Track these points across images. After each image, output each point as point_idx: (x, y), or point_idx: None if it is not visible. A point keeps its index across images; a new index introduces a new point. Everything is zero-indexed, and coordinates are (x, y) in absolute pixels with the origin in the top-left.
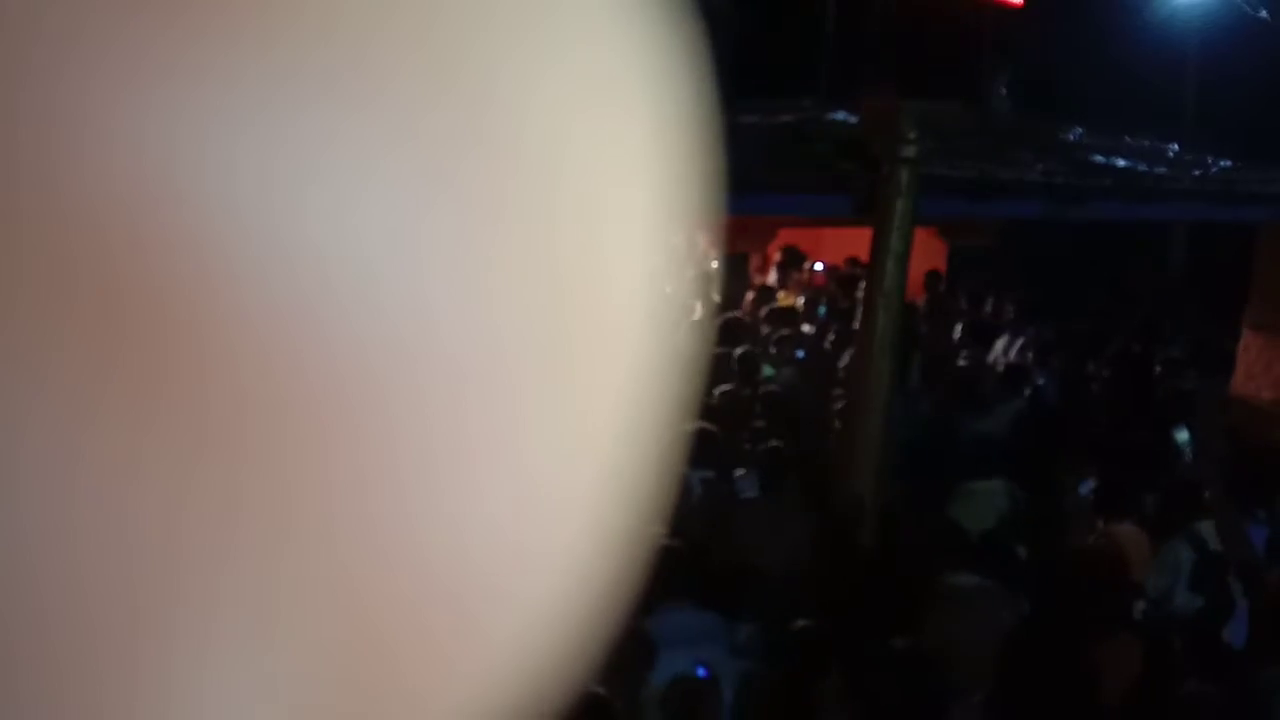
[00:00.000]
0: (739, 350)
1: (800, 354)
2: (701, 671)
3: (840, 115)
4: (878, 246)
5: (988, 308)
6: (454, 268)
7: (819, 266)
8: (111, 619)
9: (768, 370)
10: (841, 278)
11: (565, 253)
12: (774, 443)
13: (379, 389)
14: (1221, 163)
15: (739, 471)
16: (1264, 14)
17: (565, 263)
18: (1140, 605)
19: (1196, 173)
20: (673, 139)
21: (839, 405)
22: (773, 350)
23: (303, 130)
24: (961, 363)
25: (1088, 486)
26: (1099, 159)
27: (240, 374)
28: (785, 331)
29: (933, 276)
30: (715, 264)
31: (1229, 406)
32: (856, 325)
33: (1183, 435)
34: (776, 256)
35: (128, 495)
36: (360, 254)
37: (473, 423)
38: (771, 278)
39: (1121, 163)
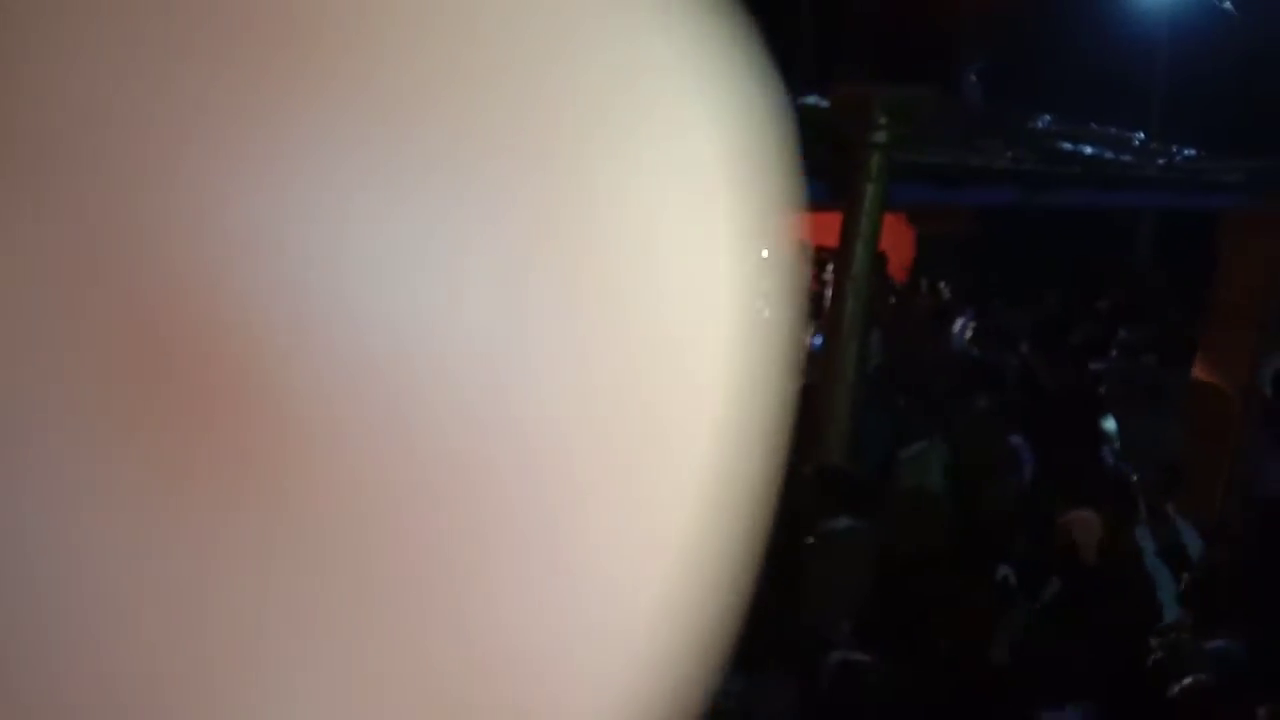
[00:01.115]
0: None
1: None
2: None
3: (812, 100)
4: (847, 231)
5: (940, 291)
6: (553, 341)
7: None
8: (184, 693)
9: None
10: None
11: (659, 315)
12: None
13: (465, 463)
14: (1185, 151)
15: None
16: (1228, 4)
17: (661, 332)
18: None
19: (1161, 161)
20: (750, 157)
21: (801, 385)
22: None
23: (402, 201)
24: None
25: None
26: (1066, 146)
27: (320, 449)
28: None
29: (878, 259)
30: None
31: (1192, 393)
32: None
33: (1110, 425)
34: None
35: (210, 574)
36: (454, 327)
37: (563, 496)
38: None
39: (1088, 150)
